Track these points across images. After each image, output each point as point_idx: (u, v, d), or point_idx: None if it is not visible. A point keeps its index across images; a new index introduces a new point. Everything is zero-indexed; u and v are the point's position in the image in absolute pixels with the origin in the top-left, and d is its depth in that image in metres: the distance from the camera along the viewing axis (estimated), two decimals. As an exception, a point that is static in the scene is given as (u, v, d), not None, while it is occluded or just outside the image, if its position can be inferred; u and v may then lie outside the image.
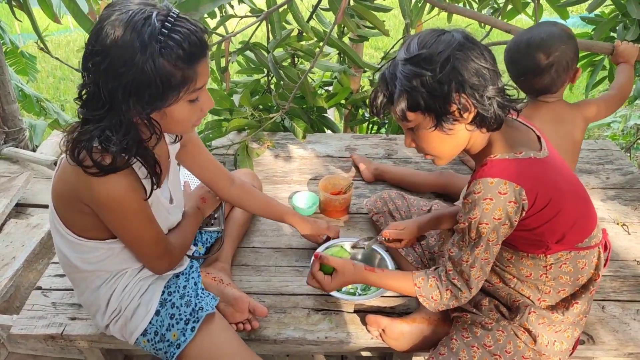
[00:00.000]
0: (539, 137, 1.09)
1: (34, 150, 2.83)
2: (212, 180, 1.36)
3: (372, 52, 5.35)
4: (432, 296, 1.11)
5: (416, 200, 1.59)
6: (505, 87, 1.01)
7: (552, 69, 1.36)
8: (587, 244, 1.10)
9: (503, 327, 1.15)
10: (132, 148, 0.95)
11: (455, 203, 1.54)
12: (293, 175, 1.94)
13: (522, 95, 1.44)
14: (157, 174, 1.04)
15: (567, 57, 1.36)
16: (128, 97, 0.90)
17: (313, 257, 1.21)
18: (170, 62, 0.88)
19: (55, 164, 2.47)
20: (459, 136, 1.02)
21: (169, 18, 0.89)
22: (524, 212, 1.01)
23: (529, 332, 1.13)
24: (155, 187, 1.05)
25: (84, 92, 0.95)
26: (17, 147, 2.70)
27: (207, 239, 1.46)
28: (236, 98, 2.08)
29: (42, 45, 1.81)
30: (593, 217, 1.13)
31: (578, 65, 1.44)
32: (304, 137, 1.91)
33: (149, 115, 0.95)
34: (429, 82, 0.95)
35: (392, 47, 2.47)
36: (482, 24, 2.51)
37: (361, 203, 1.77)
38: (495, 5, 2.82)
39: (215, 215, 1.48)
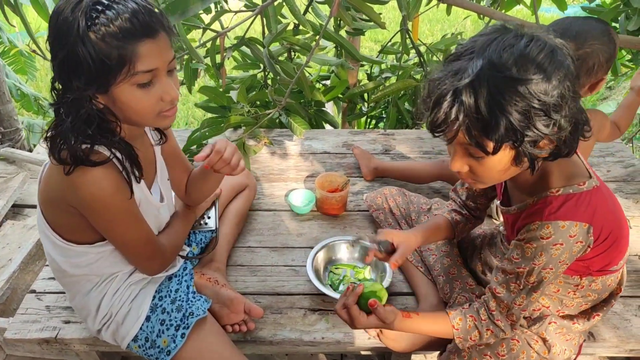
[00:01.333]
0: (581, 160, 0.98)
1: (30, 151, 2.82)
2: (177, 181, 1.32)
3: (371, 45, 5.29)
4: (471, 337, 1.04)
5: (417, 197, 1.57)
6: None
7: (578, 62, 1.28)
8: (620, 265, 1.05)
9: (517, 336, 1.12)
10: (98, 132, 0.93)
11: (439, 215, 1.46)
12: (289, 172, 1.92)
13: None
14: (136, 165, 1.02)
15: (596, 58, 1.23)
16: (67, 77, 0.89)
17: (350, 286, 1.06)
18: (100, 39, 0.85)
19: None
20: (522, 166, 0.87)
21: None
22: (589, 249, 0.94)
23: (545, 341, 1.11)
24: (137, 180, 1.02)
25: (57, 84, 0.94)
26: (13, 147, 2.69)
27: (201, 239, 1.44)
28: (233, 94, 2.05)
29: (34, 47, 1.79)
30: (627, 238, 1.03)
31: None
32: (302, 133, 1.89)
33: (96, 98, 0.92)
34: (530, 115, 0.77)
35: (390, 40, 2.43)
36: (481, 16, 2.46)
37: (358, 200, 1.75)
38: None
39: (209, 214, 1.46)
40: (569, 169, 0.94)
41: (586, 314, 1.12)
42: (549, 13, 5.13)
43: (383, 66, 2.65)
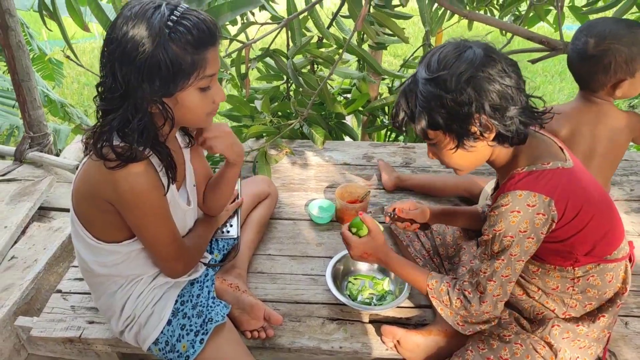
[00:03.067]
0: (561, 148, 1.07)
1: (57, 155, 2.90)
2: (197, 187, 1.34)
3: (391, 60, 5.34)
4: (443, 300, 1.11)
5: (434, 209, 1.57)
6: (529, 98, 1.00)
7: (593, 59, 1.28)
8: (615, 256, 1.08)
9: (522, 340, 1.12)
10: (148, 136, 0.98)
11: (475, 206, 1.52)
12: (310, 182, 1.94)
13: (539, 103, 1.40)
14: (172, 168, 1.06)
15: (612, 57, 1.25)
16: (141, 81, 0.93)
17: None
18: (180, 46, 0.92)
19: (77, 168, 2.52)
20: (481, 151, 1.02)
21: (178, 8, 0.94)
22: (554, 224, 0.99)
23: (550, 346, 1.10)
24: (171, 182, 1.07)
25: (101, 88, 0.99)
26: (41, 151, 2.76)
27: (223, 246, 1.47)
28: (257, 104, 2.09)
29: (69, 54, 1.86)
30: (621, 228, 1.11)
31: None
32: (322, 143, 1.91)
33: (163, 101, 0.97)
34: (450, 104, 0.95)
35: (412, 55, 2.45)
36: (504, 32, 2.47)
37: (378, 211, 1.76)
38: (516, 13, 2.79)
39: (231, 222, 1.48)
40: (537, 151, 1.03)
41: (591, 315, 1.12)
42: (571, 30, 5.12)
43: (404, 79, 2.68)
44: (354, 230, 1.22)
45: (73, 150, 2.96)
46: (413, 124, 1.01)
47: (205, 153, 1.29)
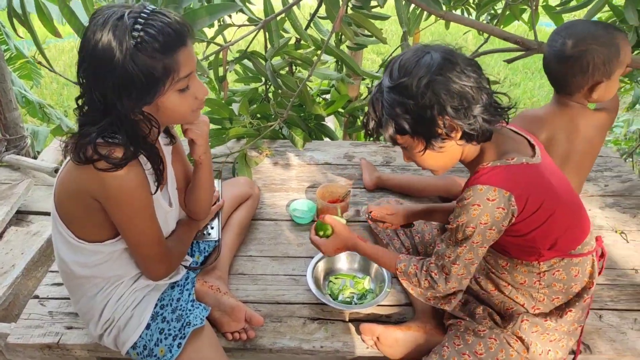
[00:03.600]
0: (532, 145, 1.10)
1: (35, 158, 2.85)
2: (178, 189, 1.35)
3: (373, 57, 5.36)
4: (412, 282, 1.15)
5: (414, 208, 1.60)
6: (492, 95, 1.04)
7: (570, 60, 1.28)
8: (580, 251, 1.11)
9: (496, 335, 1.16)
10: (136, 143, 0.99)
11: (452, 202, 1.55)
12: (291, 183, 1.95)
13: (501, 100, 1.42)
14: (161, 170, 1.08)
15: (590, 58, 1.25)
16: (118, 96, 0.94)
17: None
18: (148, 55, 0.92)
19: (56, 171, 2.49)
20: (451, 151, 1.05)
21: (141, 14, 0.93)
22: (514, 218, 1.03)
23: (522, 340, 1.13)
24: (158, 183, 1.08)
25: (80, 101, 1.00)
26: (18, 154, 2.72)
27: (204, 248, 1.46)
28: (235, 107, 2.09)
29: (40, 59, 1.83)
30: (586, 224, 1.15)
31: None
32: (302, 145, 1.92)
33: (143, 110, 0.99)
34: (413, 109, 0.98)
35: (391, 54, 2.48)
36: (480, 32, 2.51)
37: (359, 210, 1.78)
38: (492, 12, 2.83)
39: (212, 225, 1.48)
40: (503, 147, 1.07)
41: (559, 310, 1.15)
42: (550, 27, 5.21)
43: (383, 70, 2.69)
44: (320, 233, 1.28)
45: (51, 152, 2.91)
46: (382, 130, 1.04)
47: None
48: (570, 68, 1.30)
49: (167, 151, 1.24)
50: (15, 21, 1.68)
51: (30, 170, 2.60)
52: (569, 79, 1.33)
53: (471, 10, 2.83)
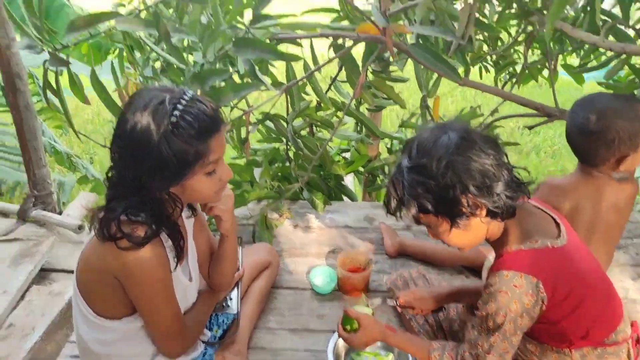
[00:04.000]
0: (556, 222, 1.08)
1: (60, 213, 2.91)
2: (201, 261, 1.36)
3: (393, 115, 5.41)
4: None
5: (438, 281, 1.57)
6: (512, 170, 1.03)
7: (594, 136, 1.27)
8: (614, 339, 1.06)
9: None
10: (159, 222, 1.02)
11: (479, 283, 1.51)
12: (311, 247, 1.94)
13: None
14: (181, 246, 1.09)
15: (615, 133, 1.25)
16: (148, 176, 0.98)
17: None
18: (183, 140, 0.96)
19: (80, 228, 2.53)
20: (477, 228, 1.04)
21: (181, 100, 0.97)
22: (544, 305, 1.00)
23: None
24: (178, 259, 1.09)
25: (110, 173, 1.05)
26: (45, 209, 2.78)
27: (223, 321, 1.45)
28: (257, 171, 2.12)
29: (69, 128, 1.90)
30: (618, 309, 1.10)
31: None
32: (323, 209, 1.92)
33: (170, 191, 1.03)
34: (434, 189, 0.98)
35: (410, 117, 2.51)
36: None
37: (381, 280, 1.74)
38: (511, 71, 2.86)
39: (231, 296, 1.47)
40: (527, 227, 1.05)
41: None
42: (567, 76, 5.22)
43: (403, 134, 2.71)
44: (347, 327, 1.25)
45: (76, 208, 2.97)
46: (405, 210, 1.04)
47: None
48: (595, 142, 1.30)
49: (188, 224, 1.25)
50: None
51: (55, 226, 2.65)
52: (594, 153, 1.32)
53: (489, 67, 2.87)
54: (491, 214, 1.00)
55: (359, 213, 2.16)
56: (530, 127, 1.91)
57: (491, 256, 1.67)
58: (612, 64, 2.33)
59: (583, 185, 1.38)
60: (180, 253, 1.10)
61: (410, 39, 2.11)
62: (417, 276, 1.59)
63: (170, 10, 1.43)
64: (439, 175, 0.97)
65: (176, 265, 1.10)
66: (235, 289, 1.50)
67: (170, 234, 1.07)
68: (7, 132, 3.75)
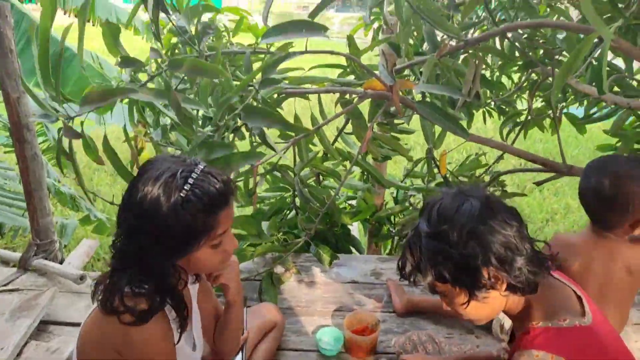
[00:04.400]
0: (579, 298, 1.04)
1: (62, 261, 2.88)
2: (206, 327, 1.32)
3: (400, 161, 5.42)
4: None
5: (448, 345, 1.52)
6: (534, 243, 1.00)
7: (609, 200, 1.27)
8: None
9: None
10: (163, 295, 0.99)
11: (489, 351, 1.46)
12: (317, 304, 1.89)
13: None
14: (185, 318, 1.06)
15: (632, 200, 1.25)
16: (154, 248, 0.96)
17: None
18: (192, 213, 0.95)
19: (81, 278, 2.49)
20: (495, 302, 1.01)
21: (192, 174, 0.97)
22: None
23: None
24: (181, 330, 1.05)
25: (116, 239, 1.02)
26: (46, 258, 2.75)
27: (228, 389, 1.40)
28: (264, 224, 2.10)
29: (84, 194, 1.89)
30: None
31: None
32: (330, 264, 1.89)
33: (175, 263, 1.01)
34: (454, 257, 0.95)
35: (415, 165, 2.51)
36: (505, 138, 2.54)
37: (389, 341, 1.69)
38: (514, 117, 2.87)
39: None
40: (553, 303, 1.02)
41: None
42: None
43: (408, 183, 2.70)
44: None
45: (79, 256, 2.94)
46: (421, 277, 1.01)
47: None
48: (609, 207, 1.28)
49: (192, 290, 1.22)
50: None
51: (56, 276, 2.61)
52: (608, 217, 1.31)
53: (493, 113, 2.89)
54: (512, 288, 0.97)
55: (365, 267, 2.12)
56: (539, 184, 1.89)
57: (501, 316, 1.63)
58: (618, 114, 2.34)
59: (594, 245, 1.36)
60: (184, 323, 1.07)
61: (416, 92, 2.13)
62: (427, 339, 1.54)
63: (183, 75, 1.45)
64: (460, 244, 0.94)
65: (180, 337, 1.07)
66: (241, 352, 1.45)
67: (175, 306, 1.04)
68: (13, 177, 3.76)
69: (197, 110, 1.46)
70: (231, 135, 1.60)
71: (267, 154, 1.46)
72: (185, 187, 0.95)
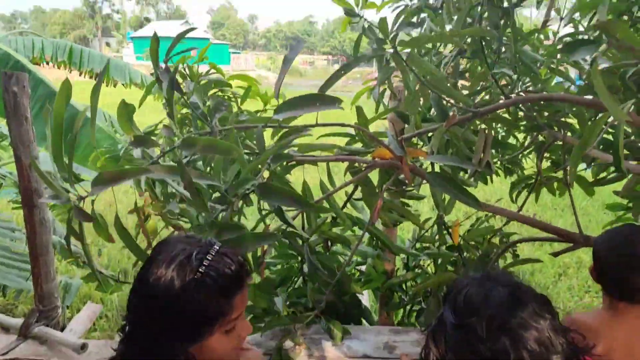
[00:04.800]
0: None
1: (63, 328, 2.80)
2: None
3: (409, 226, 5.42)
4: None
5: None
6: (567, 334, 0.93)
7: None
8: None
9: None
10: None
11: None
12: (328, 384, 1.81)
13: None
14: None
15: None
16: (165, 336, 0.92)
17: None
18: (206, 299, 0.92)
19: (82, 347, 2.42)
20: None
21: (207, 256, 0.94)
22: None
23: None
24: None
25: (126, 325, 0.98)
26: (48, 324, 2.68)
27: None
28: (278, 301, 2.04)
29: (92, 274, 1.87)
30: None
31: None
32: (341, 339, 1.82)
33: (186, 350, 0.96)
34: (484, 354, 0.89)
35: (427, 231, 2.47)
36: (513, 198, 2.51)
37: None
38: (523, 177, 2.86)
39: None
40: None
41: None
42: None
43: (418, 245, 2.65)
44: None
45: (81, 321, 2.88)
46: None
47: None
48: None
49: None
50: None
51: (57, 344, 2.53)
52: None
53: (499, 172, 2.87)
54: None
55: (377, 339, 2.04)
56: (556, 255, 1.85)
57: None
58: (629, 176, 2.32)
59: (615, 324, 1.31)
60: None
61: (425, 160, 2.13)
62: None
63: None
64: (490, 339, 0.88)
65: None
66: None
67: None
68: (19, 237, 3.75)
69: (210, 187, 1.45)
70: (240, 202, 1.58)
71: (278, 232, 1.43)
72: (200, 269, 0.92)
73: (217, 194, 1.45)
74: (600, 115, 1.25)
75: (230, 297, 0.95)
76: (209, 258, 0.94)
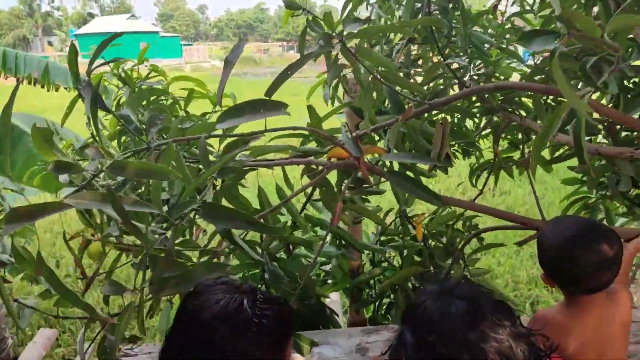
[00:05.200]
0: None
1: (16, 358, 2.62)
2: None
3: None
4: None
5: None
6: (532, 337, 0.92)
7: (616, 259, 1.24)
8: None
9: None
10: None
11: None
12: (300, 397, 1.73)
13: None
14: None
15: (622, 248, 1.27)
16: None
17: None
18: (264, 348, 0.87)
19: (36, 382, 2.26)
20: None
21: (257, 303, 0.88)
22: None
23: None
24: None
25: None
26: (-2, 358, 2.50)
27: None
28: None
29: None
30: None
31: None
32: (310, 351, 1.75)
33: None
34: None
35: (390, 224, 2.42)
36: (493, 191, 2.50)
37: None
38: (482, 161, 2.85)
39: None
40: None
41: None
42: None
43: (383, 238, 2.61)
44: None
45: (34, 350, 2.69)
46: None
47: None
48: (617, 265, 1.25)
49: None
50: None
51: (8, 380, 2.36)
52: (602, 279, 1.25)
53: (457, 154, 2.85)
54: None
55: (349, 343, 1.98)
56: (520, 244, 1.83)
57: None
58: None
59: (582, 319, 1.30)
60: None
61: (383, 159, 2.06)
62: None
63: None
64: (450, 356, 0.86)
65: None
66: None
67: None
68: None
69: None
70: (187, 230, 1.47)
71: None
72: (255, 320, 0.86)
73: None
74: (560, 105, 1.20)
75: (285, 344, 0.92)
76: (260, 306, 0.88)
